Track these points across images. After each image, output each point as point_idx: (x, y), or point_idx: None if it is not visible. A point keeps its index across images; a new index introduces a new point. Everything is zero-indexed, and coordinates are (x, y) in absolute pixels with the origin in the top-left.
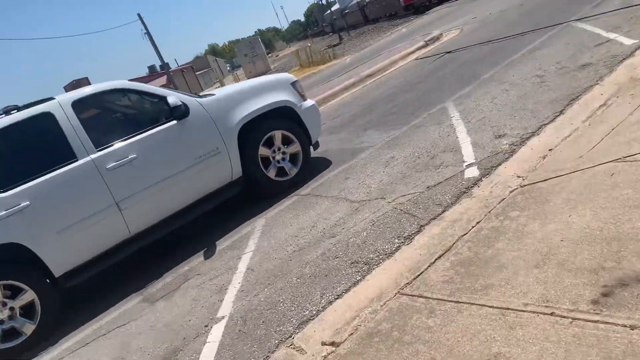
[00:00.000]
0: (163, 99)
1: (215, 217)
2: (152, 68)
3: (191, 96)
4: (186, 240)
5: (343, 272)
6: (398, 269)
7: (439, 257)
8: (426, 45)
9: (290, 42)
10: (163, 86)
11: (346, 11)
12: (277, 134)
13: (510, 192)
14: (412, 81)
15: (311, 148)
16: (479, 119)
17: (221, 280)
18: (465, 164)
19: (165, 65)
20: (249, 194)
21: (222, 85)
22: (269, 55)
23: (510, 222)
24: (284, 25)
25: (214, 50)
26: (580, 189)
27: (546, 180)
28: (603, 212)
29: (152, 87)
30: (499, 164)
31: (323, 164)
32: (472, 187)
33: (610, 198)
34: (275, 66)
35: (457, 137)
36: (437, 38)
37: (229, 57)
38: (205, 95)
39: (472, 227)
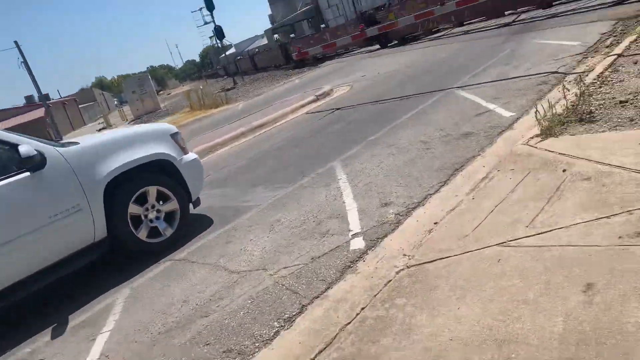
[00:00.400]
0: (14, 146)
1: (71, 284)
2: (29, 98)
3: (51, 144)
4: (33, 313)
5: None
6: None
7: (320, 352)
8: (317, 99)
9: (183, 81)
10: (41, 119)
11: (239, 57)
12: (152, 190)
13: (397, 272)
14: (302, 136)
15: (191, 205)
16: (366, 183)
17: None
18: (351, 233)
19: (43, 97)
20: (115, 258)
21: (106, 121)
22: (161, 92)
23: (396, 312)
24: (178, 63)
25: (101, 84)
26: (468, 274)
27: (433, 261)
28: (492, 305)
29: (1, 133)
30: (385, 236)
31: (203, 224)
32: (357, 260)
33: (499, 288)
34: (166, 105)
35: (344, 202)
36: (327, 93)
37: (117, 92)
38: (69, 144)
39: (357, 314)
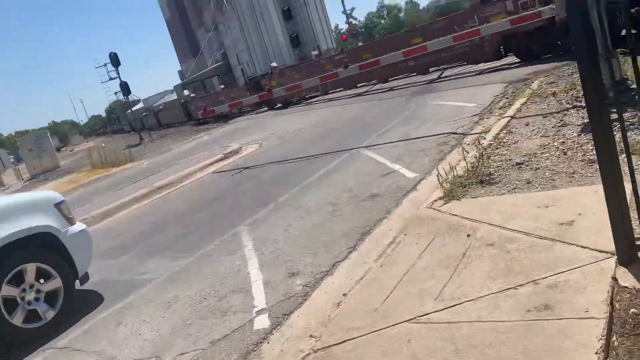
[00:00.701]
0: None
1: None
2: None
3: None
4: None
5: None
6: None
7: None
8: (225, 157)
9: (88, 137)
10: None
11: (144, 113)
12: (30, 268)
13: (303, 359)
14: (207, 198)
15: (77, 282)
16: (273, 250)
17: None
18: (256, 309)
19: None
20: None
21: (0, 181)
22: (63, 149)
23: None
24: (82, 119)
25: None
26: (378, 359)
27: (341, 343)
28: None
29: None
30: (292, 312)
31: (92, 302)
32: (261, 342)
33: None
34: (67, 162)
35: (248, 273)
36: (236, 151)
37: (13, 149)
38: None
39: None
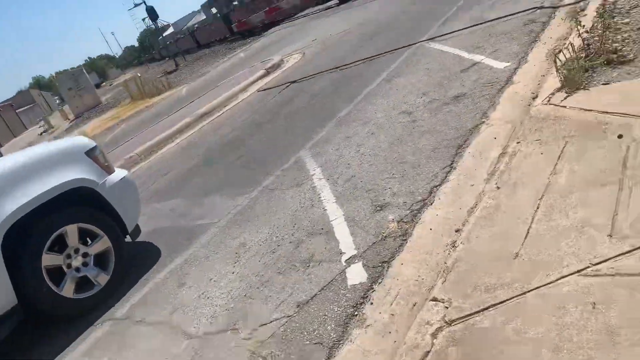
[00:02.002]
0: None
1: None
2: None
3: None
4: None
5: None
6: None
7: None
8: (267, 73)
9: (125, 69)
10: None
11: (179, 36)
12: (71, 230)
13: (433, 335)
14: (257, 120)
15: (128, 237)
16: (348, 178)
17: None
18: (345, 257)
19: None
20: (37, 323)
21: (47, 123)
22: (103, 84)
23: None
24: (117, 52)
25: (39, 84)
26: (552, 337)
27: (485, 310)
28: None
29: None
30: (392, 258)
31: (149, 258)
32: (362, 303)
33: None
34: (107, 98)
35: (324, 210)
36: (278, 65)
37: (56, 91)
38: None
39: None
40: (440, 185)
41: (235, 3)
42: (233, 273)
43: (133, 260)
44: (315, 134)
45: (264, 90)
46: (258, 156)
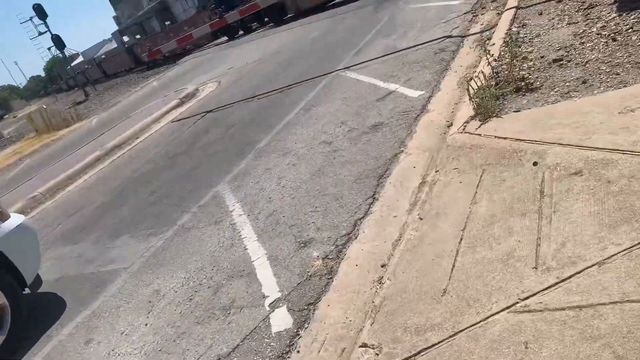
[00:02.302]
0: None
1: None
2: None
3: None
4: None
5: None
6: None
7: None
8: (182, 103)
9: (31, 100)
10: None
11: (87, 66)
12: None
13: None
14: (171, 153)
15: (27, 290)
16: (269, 213)
17: None
18: (268, 302)
19: None
20: None
21: None
22: (6, 117)
23: None
24: (21, 82)
25: None
26: None
27: (416, 356)
28: None
29: None
30: (318, 299)
31: (53, 311)
32: (287, 353)
33: None
34: (10, 131)
35: (245, 249)
36: (193, 94)
37: None
38: None
39: None
40: (363, 217)
41: (138, 37)
42: (146, 325)
43: (34, 314)
44: (233, 166)
45: (179, 120)
46: (173, 192)
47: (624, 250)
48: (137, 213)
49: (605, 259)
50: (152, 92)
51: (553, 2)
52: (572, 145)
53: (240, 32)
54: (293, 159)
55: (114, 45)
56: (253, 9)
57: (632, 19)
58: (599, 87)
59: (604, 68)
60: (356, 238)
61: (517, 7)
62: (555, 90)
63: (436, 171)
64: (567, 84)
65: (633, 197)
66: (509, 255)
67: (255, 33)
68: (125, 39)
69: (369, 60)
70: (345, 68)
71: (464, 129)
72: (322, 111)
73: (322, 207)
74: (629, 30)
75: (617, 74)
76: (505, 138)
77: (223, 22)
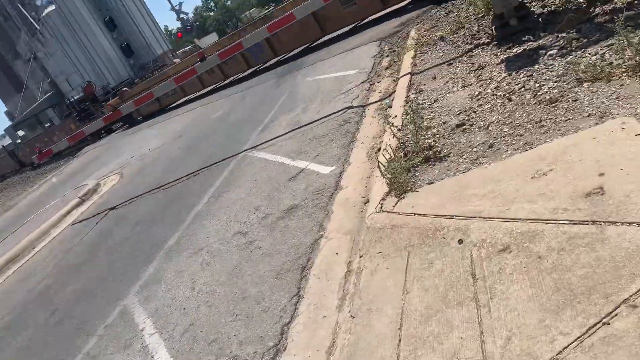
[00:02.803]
0: None
1: None
2: None
3: None
4: None
5: None
6: None
7: None
8: (82, 202)
9: None
10: None
11: None
12: None
13: None
14: (72, 262)
15: None
16: (185, 328)
17: None
18: None
19: None
20: None
21: None
22: None
23: None
24: None
25: None
26: None
27: None
28: None
29: None
30: None
31: None
32: None
33: None
34: None
35: None
36: (94, 190)
37: None
38: None
39: None
40: (290, 322)
41: (19, 141)
42: None
43: None
44: (141, 272)
45: (80, 222)
46: (75, 310)
47: (575, 340)
48: (34, 341)
49: (557, 354)
50: (51, 189)
51: (444, 65)
52: (494, 218)
53: (140, 118)
54: (206, 257)
55: (8, 140)
56: (147, 98)
57: (522, 77)
58: (506, 151)
59: (507, 130)
60: (285, 349)
61: (412, 73)
62: (464, 157)
63: (360, 257)
64: (474, 149)
65: (568, 274)
66: (455, 357)
67: (154, 119)
68: (21, 133)
69: (276, 138)
70: (252, 148)
71: (381, 208)
72: (233, 197)
73: (243, 313)
74: (522, 89)
75: (521, 135)
76: (424, 215)
77: (117, 114)
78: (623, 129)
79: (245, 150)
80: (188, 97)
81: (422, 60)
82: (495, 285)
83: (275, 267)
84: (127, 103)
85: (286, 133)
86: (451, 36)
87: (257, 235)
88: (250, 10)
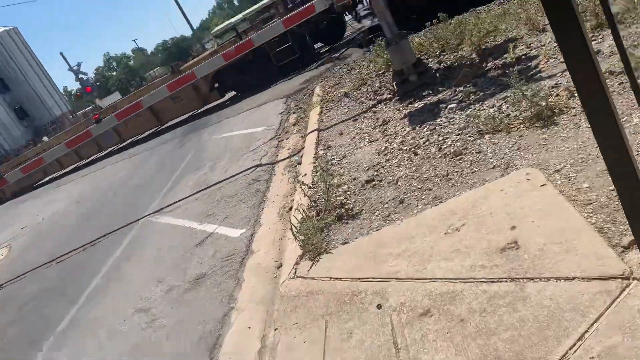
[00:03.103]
0: None
1: None
2: None
3: None
4: None
5: None
6: None
7: None
8: None
9: None
10: None
11: None
12: None
13: None
14: None
15: None
16: None
17: None
18: None
19: None
20: None
21: None
22: None
23: None
24: None
25: None
26: None
27: None
28: None
29: None
30: None
31: None
32: None
33: None
34: None
35: None
36: None
37: None
38: None
39: None
40: None
41: None
42: None
43: None
44: None
45: None
46: None
47: None
48: None
49: None
50: None
51: (350, 121)
52: (412, 279)
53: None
54: (103, 340)
55: None
56: (38, 164)
57: (426, 131)
58: (417, 206)
59: (416, 184)
60: None
61: (319, 130)
62: (376, 214)
63: (275, 329)
64: (386, 205)
65: (494, 338)
66: None
67: (46, 185)
68: None
69: (181, 200)
70: (155, 212)
71: (295, 273)
72: (134, 269)
73: None
74: (427, 143)
75: (430, 189)
76: (341, 279)
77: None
78: (528, 179)
79: (148, 214)
80: (84, 160)
81: (328, 116)
82: (419, 355)
83: (180, 351)
84: (14, 171)
85: (192, 194)
86: (355, 92)
87: (160, 311)
88: (155, 69)
